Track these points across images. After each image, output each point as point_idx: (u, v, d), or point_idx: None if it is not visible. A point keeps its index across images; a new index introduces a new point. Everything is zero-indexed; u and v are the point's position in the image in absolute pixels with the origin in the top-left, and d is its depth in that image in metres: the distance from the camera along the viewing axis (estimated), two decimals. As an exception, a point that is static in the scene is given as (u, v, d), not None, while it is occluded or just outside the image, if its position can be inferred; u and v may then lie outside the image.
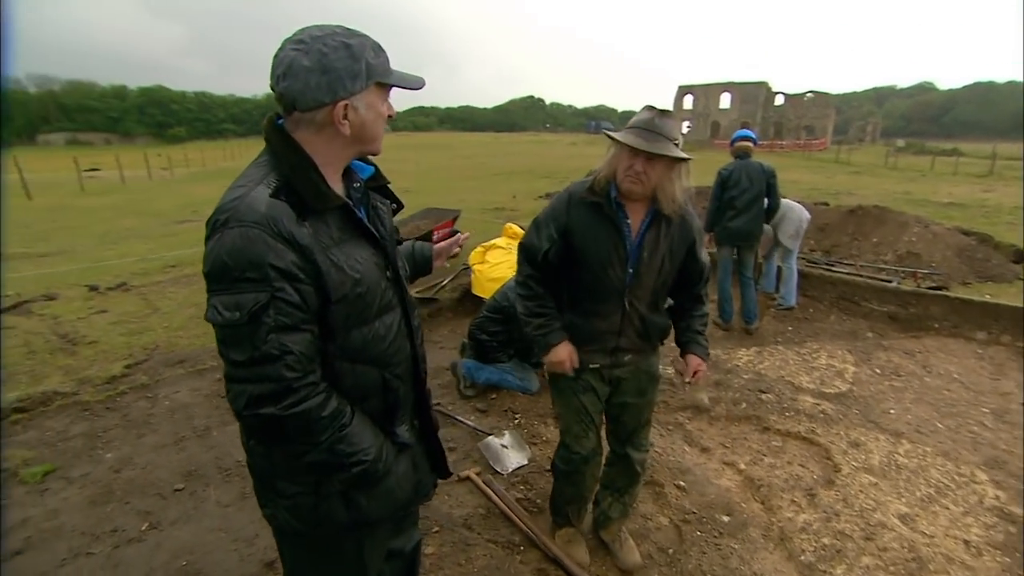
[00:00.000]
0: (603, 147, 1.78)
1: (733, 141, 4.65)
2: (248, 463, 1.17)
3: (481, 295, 4.70)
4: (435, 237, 6.34)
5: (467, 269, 5.38)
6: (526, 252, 1.88)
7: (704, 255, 1.91)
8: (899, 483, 2.71)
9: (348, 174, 1.16)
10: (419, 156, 35.02)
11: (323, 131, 1.02)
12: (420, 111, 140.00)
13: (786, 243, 5.08)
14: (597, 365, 1.92)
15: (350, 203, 1.08)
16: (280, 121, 1.05)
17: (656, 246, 1.77)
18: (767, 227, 4.98)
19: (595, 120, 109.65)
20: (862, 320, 4.99)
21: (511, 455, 2.87)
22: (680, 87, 58.97)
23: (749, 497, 2.62)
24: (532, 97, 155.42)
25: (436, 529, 2.32)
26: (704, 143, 42.55)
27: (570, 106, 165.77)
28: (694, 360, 1.91)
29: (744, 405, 3.48)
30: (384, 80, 1.04)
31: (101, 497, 2.57)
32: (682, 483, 2.67)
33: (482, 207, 10.72)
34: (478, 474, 2.77)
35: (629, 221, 1.75)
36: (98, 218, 11.34)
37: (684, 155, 1.62)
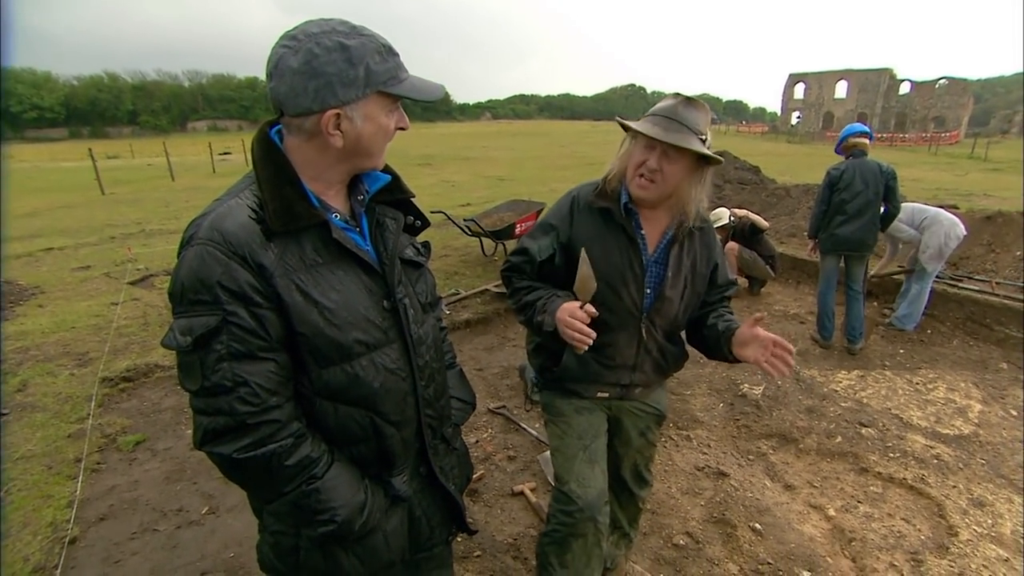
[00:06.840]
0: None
1: (843, 137, 4.10)
2: None
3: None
4: (518, 230, 6.16)
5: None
6: (521, 258, 1.55)
7: (730, 273, 1.65)
8: (1036, 558, 2.26)
9: (356, 185, 1.04)
10: (516, 143, 35.34)
11: (313, 140, 0.91)
12: (521, 99, 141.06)
13: (924, 262, 4.37)
14: (606, 395, 1.66)
15: (332, 221, 0.95)
16: (275, 128, 0.96)
17: (680, 264, 1.51)
18: (912, 233, 4.44)
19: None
20: (994, 348, 4.27)
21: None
22: (791, 75, 57.21)
23: (837, 551, 2.28)
24: (633, 85, 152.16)
25: (478, 554, 2.21)
26: (815, 135, 39.69)
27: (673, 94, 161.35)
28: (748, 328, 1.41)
29: (839, 439, 3.06)
30: (388, 90, 0.90)
31: (175, 474, 2.72)
32: (758, 526, 2.38)
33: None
34: (533, 490, 2.64)
35: (643, 232, 1.49)
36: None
37: (711, 154, 1.34)
